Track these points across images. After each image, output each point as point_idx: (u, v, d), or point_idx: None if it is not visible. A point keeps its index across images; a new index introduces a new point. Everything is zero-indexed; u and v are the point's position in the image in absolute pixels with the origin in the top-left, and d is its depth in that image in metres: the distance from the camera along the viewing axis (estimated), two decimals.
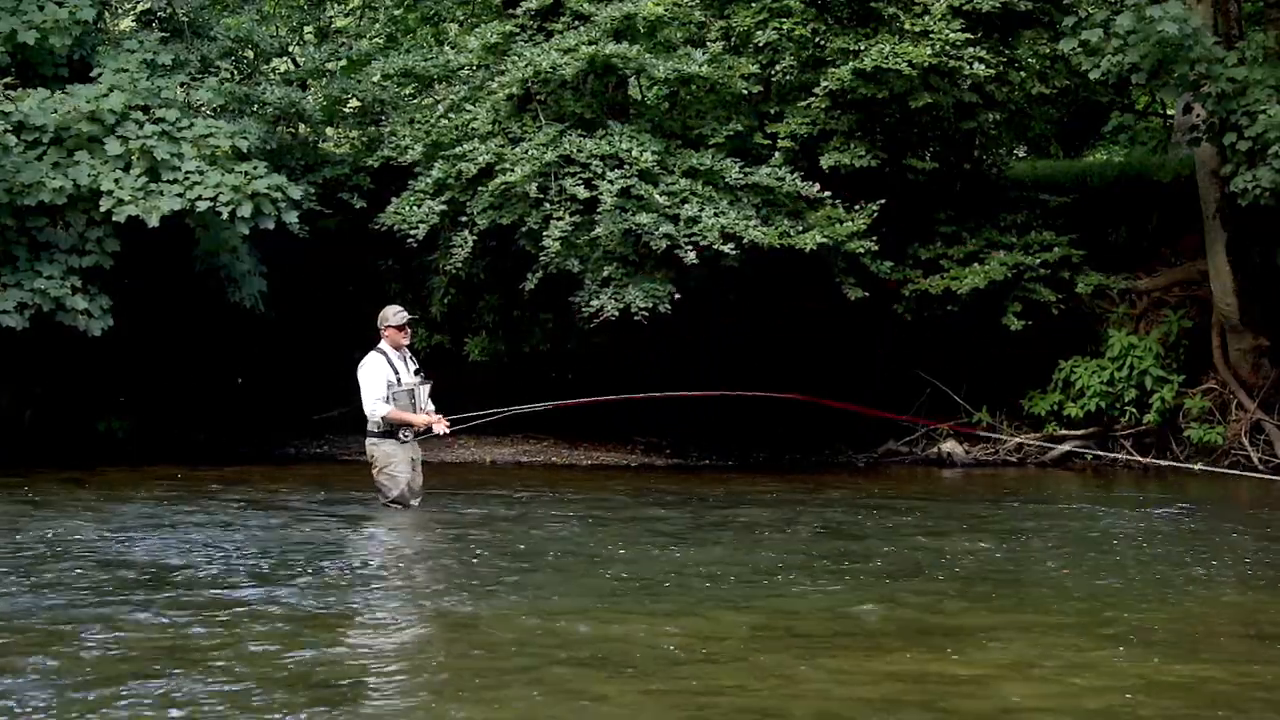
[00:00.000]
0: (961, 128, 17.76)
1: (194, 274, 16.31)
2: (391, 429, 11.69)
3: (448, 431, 11.96)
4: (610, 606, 8.07)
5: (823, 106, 16.49)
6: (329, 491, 13.30)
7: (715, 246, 15.47)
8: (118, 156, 14.79)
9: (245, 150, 15.30)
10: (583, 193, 15.57)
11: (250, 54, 18.16)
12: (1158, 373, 17.23)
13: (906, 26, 16.20)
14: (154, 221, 14.57)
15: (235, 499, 12.78)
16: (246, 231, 15.20)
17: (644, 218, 15.43)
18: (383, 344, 11.81)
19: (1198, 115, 15.90)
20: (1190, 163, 17.57)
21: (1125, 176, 19.23)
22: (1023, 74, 17.03)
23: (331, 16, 21.52)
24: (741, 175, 16.04)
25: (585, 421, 17.28)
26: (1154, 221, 18.35)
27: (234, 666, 6.59)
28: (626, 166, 15.72)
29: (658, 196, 15.50)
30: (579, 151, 15.81)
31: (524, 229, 16.04)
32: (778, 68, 16.97)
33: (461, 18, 19.60)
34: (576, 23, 16.53)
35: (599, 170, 15.68)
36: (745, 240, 15.63)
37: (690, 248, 15.48)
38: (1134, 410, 17.35)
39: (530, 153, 15.78)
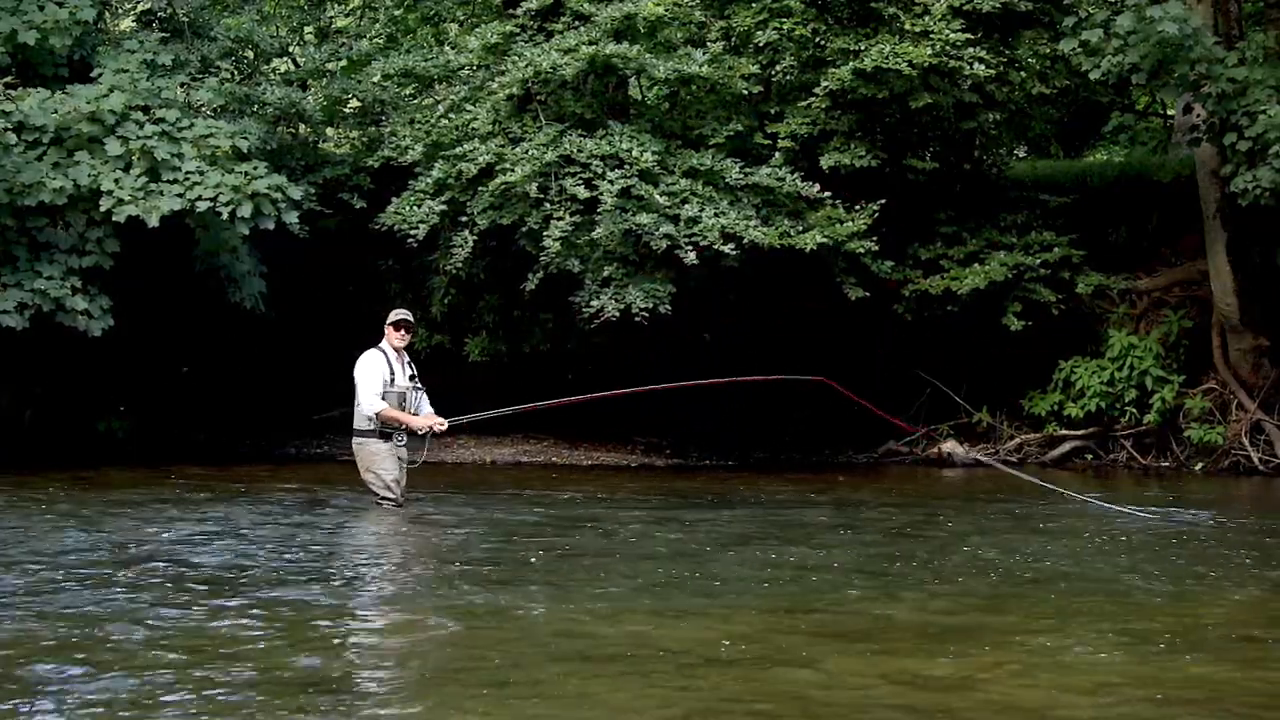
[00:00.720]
0: (961, 128, 17.77)
1: (194, 274, 16.31)
2: (381, 428, 11.72)
3: (444, 428, 11.98)
4: (628, 606, 8.07)
5: (823, 106, 16.49)
6: (328, 492, 13.29)
7: (715, 247, 15.47)
8: (118, 157, 14.78)
9: (245, 150, 15.29)
10: (583, 193, 15.58)
11: (250, 54, 18.16)
12: (1158, 373, 17.24)
13: (907, 26, 16.21)
14: (154, 221, 14.57)
15: (235, 499, 12.77)
16: (246, 231, 15.20)
17: (644, 218, 15.43)
18: (384, 343, 11.85)
19: (1198, 115, 15.90)
20: (1190, 163, 17.57)
21: (1125, 176, 19.24)
22: (1023, 74, 17.03)
23: (332, 17, 21.52)
24: (742, 175, 16.05)
25: (585, 422, 17.29)
26: (1154, 221, 18.36)
27: (234, 666, 6.59)
28: (627, 166, 15.72)
29: (658, 197, 15.51)
30: (579, 151, 15.81)
31: (524, 229, 16.04)
32: (778, 68, 16.97)
33: (462, 18, 19.60)
34: (577, 23, 16.53)
35: (599, 170, 15.69)
36: (745, 240, 15.64)
37: (690, 248, 15.49)
38: (1134, 410, 17.36)
39: (530, 153, 15.79)
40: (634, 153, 15.72)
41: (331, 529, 11.16)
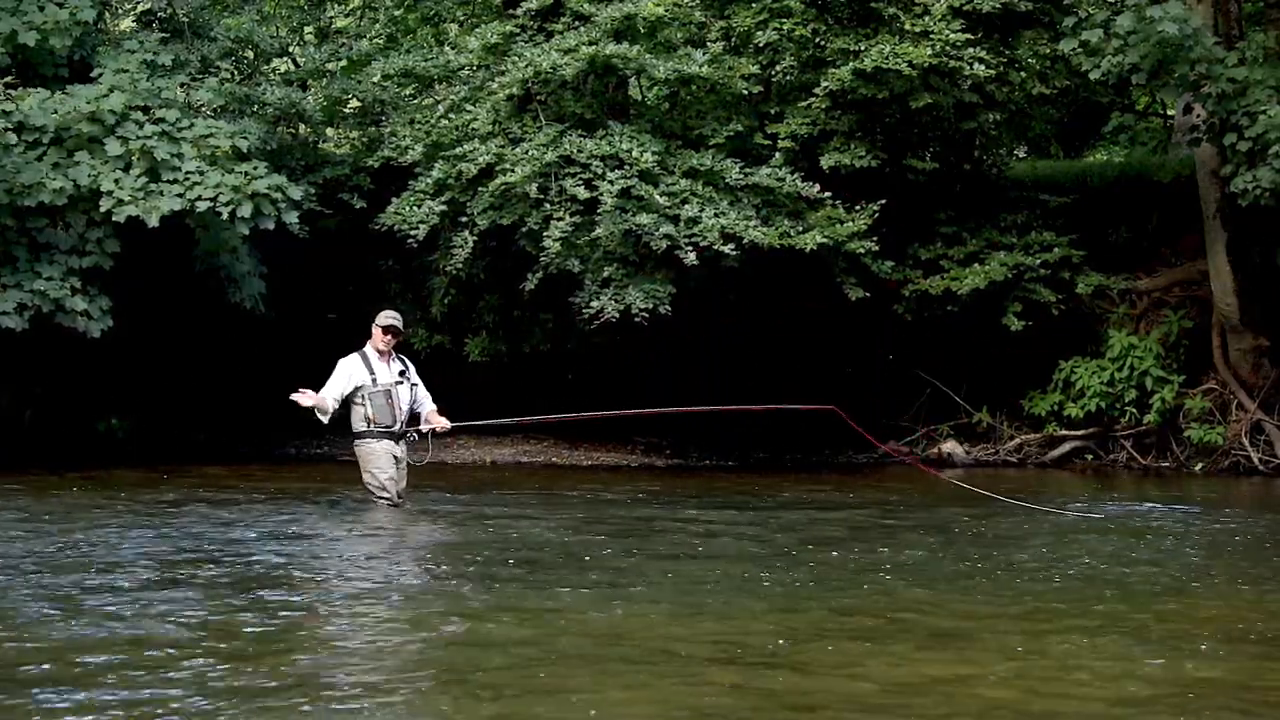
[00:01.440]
0: (962, 128, 17.77)
1: (194, 274, 16.31)
2: (377, 429, 11.74)
3: (447, 428, 12.01)
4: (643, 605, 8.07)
5: (823, 107, 16.49)
6: (328, 492, 13.29)
7: (715, 247, 15.47)
8: (118, 157, 14.78)
9: (245, 150, 15.29)
10: (583, 193, 15.57)
11: (250, 54, 18.15)
12: (1158, 373, 17.24)
13: (907, 27, 16.21)
14: (154, 222, 14.56)
15: (234, 499, 12.77)
16: (246, 232, 15.20)
17: (644, 218, 15.43)
18: (368, 344, 11.89)
19: (1198, 115, 15.90)
20: (1190, 163, 17.57)
21: (1125, 176, 19.24)
22: (1023, 74, 17.03)
23: (332, 17, 21.51)
24: (742, 176, 16.04)
25: (585, 422, 17.26)
26: (1154, 221, 18.36)
27: (233, 667, 6.59)
28: (627, 167, 15.72)
29: (658, 197, 15.50)
30: (579, 152, 15.81)
31: (524, 229, 16.04)
32: (778, 68, 16.97)
33: (462, 18, 19.59)
34: (577, 23, 16.53)
35: (599, 171, 15.68)
36: (745, 241, 15.63)
37: (690, 248, 15.48)
38: (1134, 410, 17.36)
39: (530, 153, 15.78)
40: (634, 153, 15.71)
41: (329, 529, 11.16)
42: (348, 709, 5.97)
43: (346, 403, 11.88)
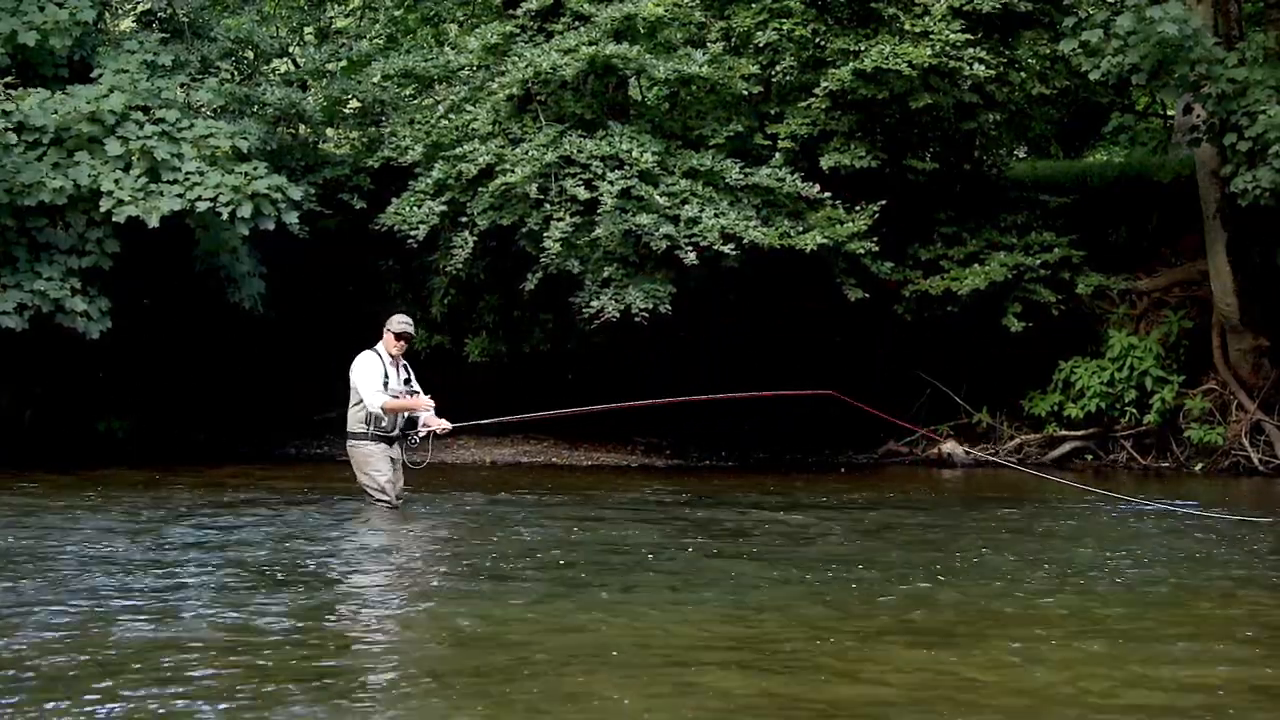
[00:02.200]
0: (961, 128, 17.77)
1: (194, 274, 16.31)
2: (376, 430, 11.73)
3: (447, 429, 12.01)
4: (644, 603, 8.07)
5: (823, 107, 16.49)
6: (327, 492, 13.28)
7: (715, 247, 15.47)
8: (118, 157, 14.78)
9: (245, 151, 15.29)
10: (583, 193, 15.57)
11: (250, 54, 18.15)
12: (1158, 373, 17.24)
13: (906, 27, 16.21)
14: (154, 222, 14.57)
15: (234, 500, 12.77)
16: (246, 232, 15.20)
17: (644, 218, 15.43)
18: (380, 346, 11.85)
19: (1198, 116, 15.90)
20: (1190, 163, 17.57)
21: (1125, 177, 19.24)
22: (1023, 74, 17.03)
23: (332, 17, 21.51)
24: (742, 176, 16.04)
25: (585, 422, 17.26)
26: (1154, 222, 18.36)
27: (235, 666, 6.59)
28: (627, 167, 15.72)
29: (658, 197, 15.50)
30: (579, 152, 15.81)
31: (524, 229, 16.04)
32: (778, 68, 16.97)
33: (461, 18, 19.59)
34: (576, 23, 16.53)
35: (599, 171, 15.69)
36: (745, 241, 15.64)
37: (690, 248, 15.48)
38: (1134, 411, 17.36)
39: (530, 153, 15.78)
40: (634, 153, 15.72)
41: (327, 530, 11.15)
42: (348, 710, 5.97)
43: (347, 402, 11.87)
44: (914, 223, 17.64)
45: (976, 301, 17.03)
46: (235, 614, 7.72)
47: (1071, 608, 8.28)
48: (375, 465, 11.86)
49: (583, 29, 16.31)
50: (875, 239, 16.27)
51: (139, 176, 14.74)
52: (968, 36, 16.04)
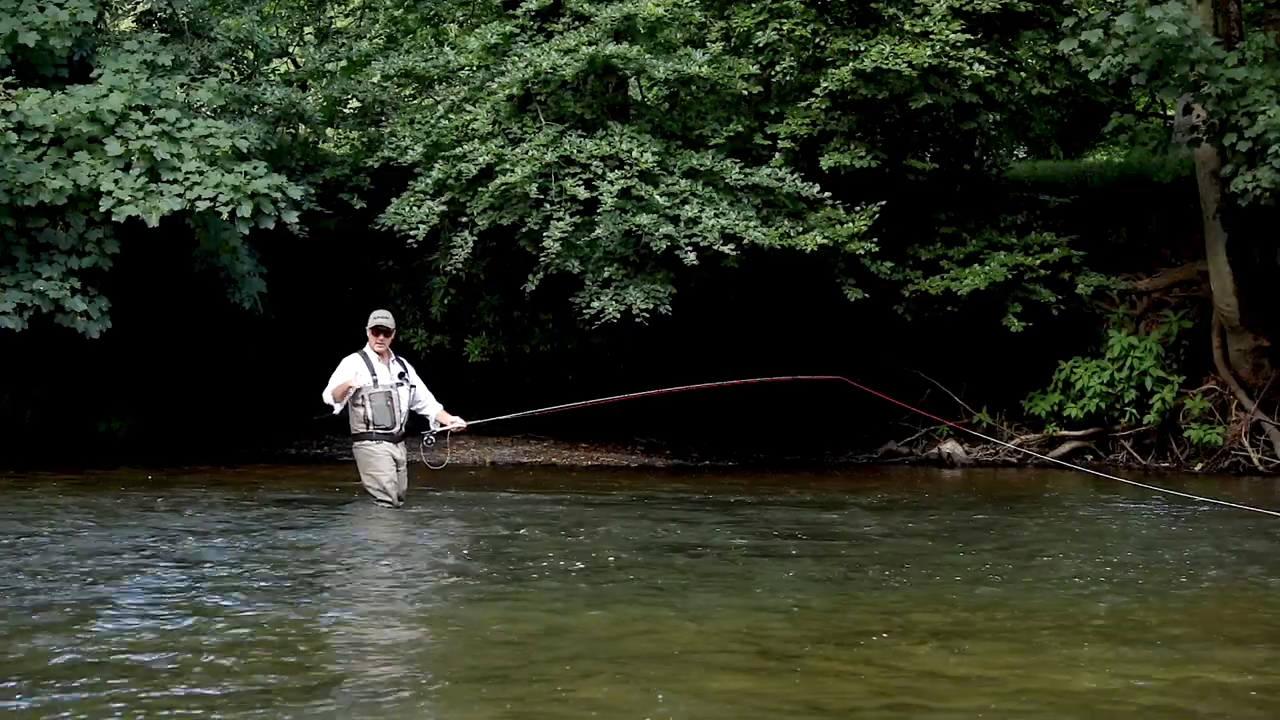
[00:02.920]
0: (961, 128, 17.78)
1: (194, 274, 16.31)
2: (376, 430, 11.75)
3: (462, 427, 12.05)
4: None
5: (823, 107, 16.49)
6: (329, 493, 13.29)
7: (715, 247, 15.47)
8: (118, 157, 14.77)
9: (245, 150, 15.29)
10: (583, 193, 15.58)
11: (250, 54, 18.15)
12: (1158, 373, 17.25)
13: (906, 27, 16.21)
14: (154, 222, 14.56)
15: (233, 500, 12.77)
16: (246, 232, 15.20)
17: (644, 218, 15.43)
18: (367, 346, 11.90)
19: (1198, 116, 15.91)
20: (1190, 163, 17.58)
21: (1125, 177, 19.25)
22: (1023, 74, 17.04)
23: (331, 17, 21.51)
24: (742, 176, 16.05)
25: (585, 422, 17.28)
26: (1154, 222, 18.37)
27: (235, 668, 6.59)
28: (627, 167, 15.72)
29: (658, 197, 15.50)
30: (579, 152, 15.81)
31: (524, 230, 16.05)
32: (778, 68, 16.98)
33: (461, 18, 19.60)
34: (576, 23, 16.53)
35: (599, 171, 15.68)
36: (745, 241, 15.64)
37: (690, 249, 15.48)
38: (1134, 411, 17.37)
39: (530, 153, 15.78)
40: (634, 153, 15.72)
41: (327, 530, 11.14)
42: (348, 710, 5.97)
43: (346, 404, 11.89)
44: (914, 223, 17.65)
45: (976, 301, 17.04)
46: (233, 615, 7.72)
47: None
48: (377, 465, 11.87)
49: (583, 29, 16.31)
50: (875, 239, 16.27)
51: (139, 176, 14.74)
52: (968, 36, 16.05)
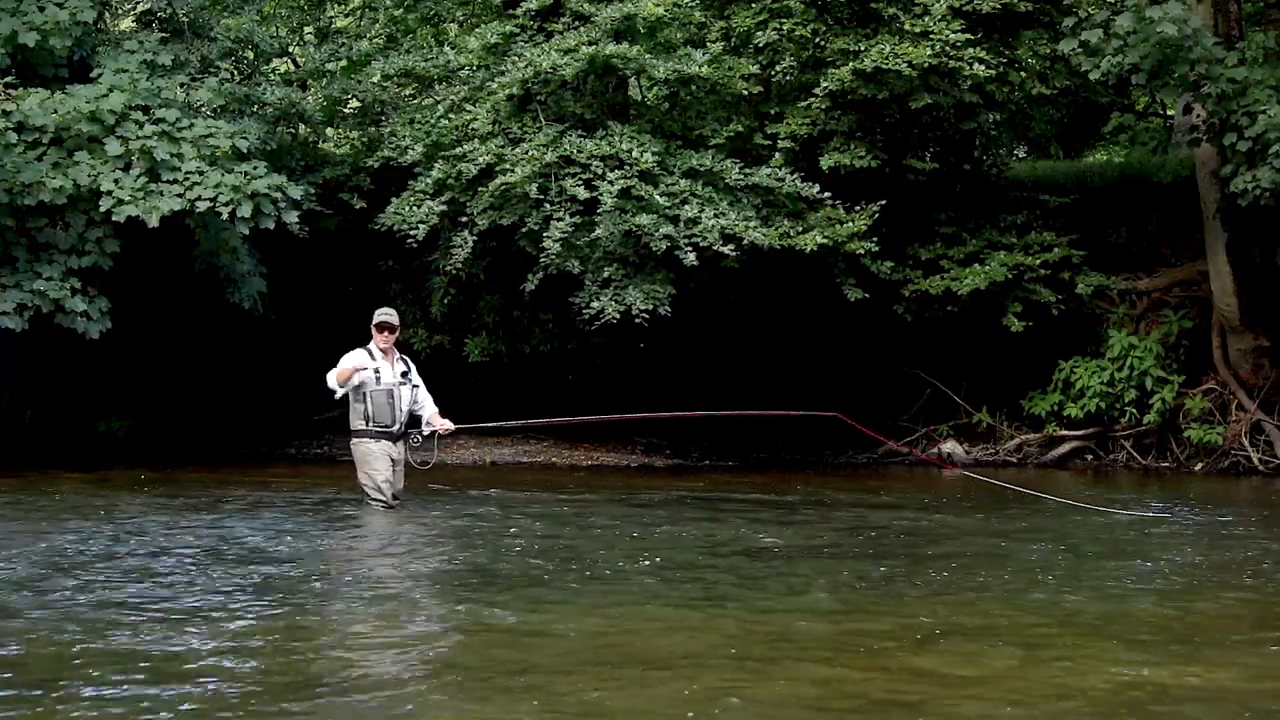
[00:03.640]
0: (961, 128, 17.78)
1: (194, 274, 16.31)
2: (376, 428, 11.74)
3: (450, 429, 12.04)
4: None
5: (823, 107, 16.49)
6: (328, 493, 13.29)
7: (715, 247, 15.47)
8: (118, 157, 14.77)
9: (245, 150, 15.28)
10: (583, 193, 15.57)
11: (250, 54, 18.14)
12: (1158, 373, 17.25)
13: (906, 27, 16.21)
14: (154, 222, 14.55)
15: (233, 500, 12.77)
16: (246, 232, 15.20)
17: (644, 219, 15.43)
18: (371, 343, 11.91)
19: (1198, 116, 15.90)
20: (1190, 163, 17.58)
21: (1125, 177, 19.25)
22: (1023, 74, 17.03)
23: (331, 17, 21.51)
24: (742, 176, 16.04)
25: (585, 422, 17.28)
26: (1154, 222, 18.37)
27: (235, 668, 6.59)
28: (627, 167, 15.72)
29: (658, 197, 15.50)
30: (579, 152, 15.81)
31: (524, 230, 16.04)
32: (778, 68, 16.97)
33: (461, 18, 19.60)
34: (576, 23, 16.53)
35: (599, 171, 15.68)
36: (745, 241, 15.63)
37: (690, 249, 15.48)
38: (1134, 411, 17.37)
39: (530, 153, 15.78)
40: (634, 153, 15.71)
41: (325, 530, 11.15)
42: (347, 711, 5.97)
43: (346, 401, 11.89)
44: (914, 223, 17.65)
45: (976, 301, 17.03)
46: (232, 615, 7.72)
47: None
48: (374, 464, 11.86)
49: (583, 29, 16.31)
50: (875, 239, 16.27)
51: (139, 176, 14.74)
52: (968, 36, 16.04)
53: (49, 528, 10.77)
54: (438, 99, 17.29)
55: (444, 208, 16.19)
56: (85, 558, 9.44)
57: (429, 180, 16.21)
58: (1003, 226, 17.75)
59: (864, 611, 8.07)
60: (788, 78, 17.12)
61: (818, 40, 16.78)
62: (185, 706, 5.98)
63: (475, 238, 16.16)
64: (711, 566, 9.55)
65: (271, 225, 15.10)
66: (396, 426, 11.87)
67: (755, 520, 11.97)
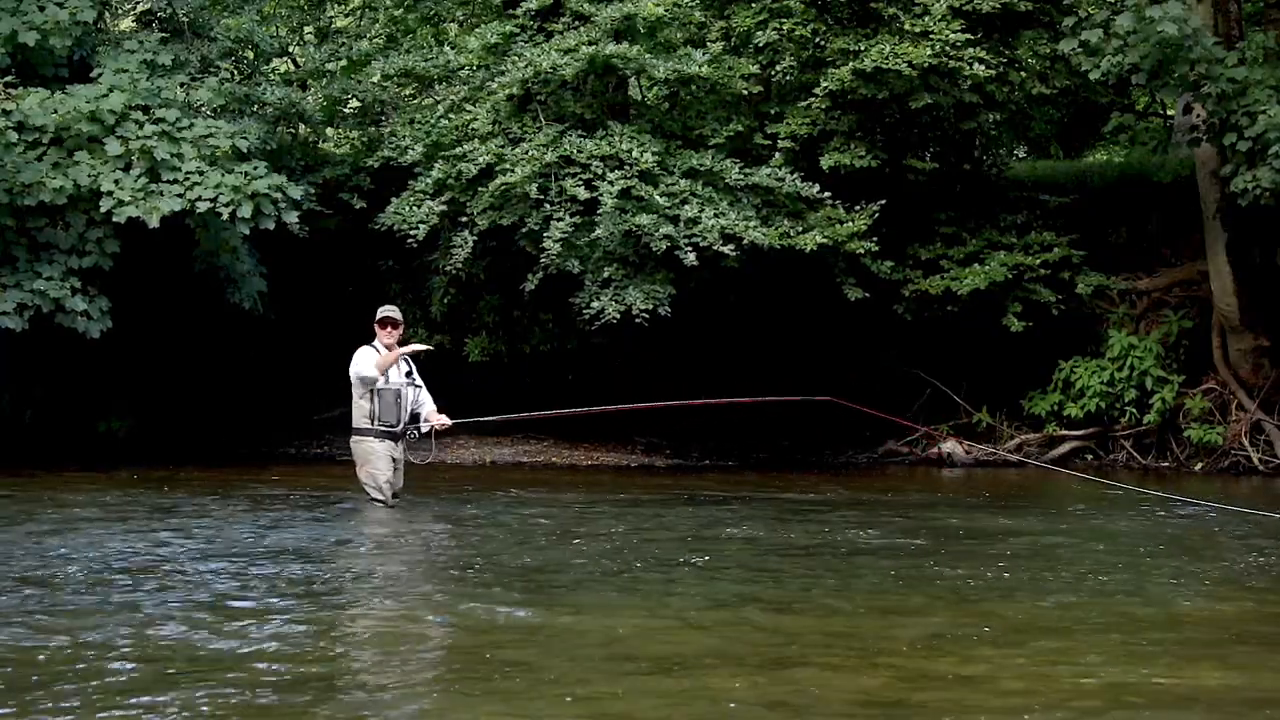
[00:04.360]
0: (961, 128, 17.78)
1: (194, 274, 16.30)
2: (380, 427, 11.74)
3: (447, 425, 12.04)
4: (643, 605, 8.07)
5: (823, 107, 16.49)
6: (328, 493, 13.28)
7: (715, 247, 15.47)
8: (118, 157, 14.77)
9: (245, 150, 15.29)
10: (583, 193, 15.57)
11: (250, 54, 18.15)
12: (1158, 373, 17.25)
13: (906, 27, 16.21)
14: (154, 222, 14.55)
15: (233, 501, 12.77)
16: (246, 232, 15.20)
17: (644, 219, 15.43)
18: (376, 341, 11.90)
19: (1198, 115, 15.91)
20: (1190, 163, 17.58)
21: (1125, 177, 19.26)
22: (1023, 74, 17.04)
23: (331, 17, 21.51)
24: (742, 176, 16.04)
25: (585, 421, 17.28)
26: (1154, 221, 18.38)
27: (237, 668, 6.59)
28: (627, 167, 15.72)
29: (658, 197, 15.50)
30: (579, 152, 15.81)
31: (524, 229, 16.04)
32: (778, 68, 16.98)
33: (461, 18, 19.60)
34: (576, 23, 16.53)
35: (599, 171, 15.68)
36: (745, 241, 15.64)
37: (690, 249, 15.48)
38: (1134, 410, 17.37)
39: (530, 153, 15.78)
40: (634, 153, 15.71)
41: (325, 530, 11.14)
42: (347, 711, 5.97)
43: (348, 400, 11.90)
44: (914, 223, 17.65)
45: (976, 301, 17.04)
46: (232, 614, 7.72)
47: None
48: (376, 464, 11.85)
49: (583, 29, 16.31)
50: (875, 239, 16.27)
51: (139, 176, 14.73)
52: (968, 36, 16.05)
53: (36, 529, 10.76)
54: (438, 99, 17.30)
55: (444, 208, 16.19)
56: (85, 558, 9.44)
57: (429, 180, 16.21)
58: (1003, 226, 17.76)
59: (864, 612, 8.07)
60: (788, 77, 17.12)
61: (818, 40, 16.79)
62: (185, 705, 5.97)
63: (475, 238, 16.16)
64: (717, 566, 9.55)
65: (271, 225, 15.10)
66: (400, 426, 11.87)
67: (756, 519, 11.96)
